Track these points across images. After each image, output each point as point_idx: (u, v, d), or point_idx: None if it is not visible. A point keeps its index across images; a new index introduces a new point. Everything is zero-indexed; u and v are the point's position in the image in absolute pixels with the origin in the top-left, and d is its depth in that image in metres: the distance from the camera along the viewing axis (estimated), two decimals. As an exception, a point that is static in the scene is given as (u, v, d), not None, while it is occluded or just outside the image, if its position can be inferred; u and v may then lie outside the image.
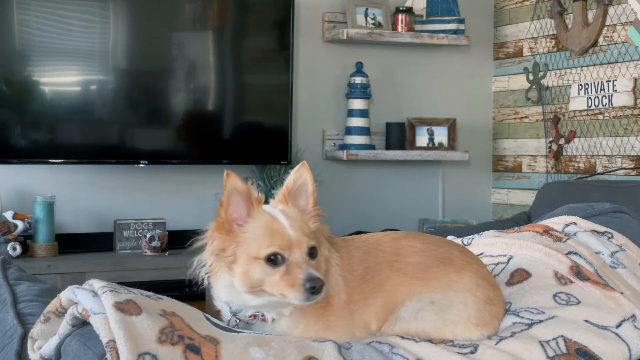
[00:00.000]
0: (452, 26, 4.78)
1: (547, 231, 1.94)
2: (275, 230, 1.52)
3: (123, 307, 1.38)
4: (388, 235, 1.68)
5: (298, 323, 1.55)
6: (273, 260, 1.50)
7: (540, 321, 1.60)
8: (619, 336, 1.60)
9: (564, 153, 4.63)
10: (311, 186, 1.60)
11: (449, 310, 1.57)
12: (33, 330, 1.53)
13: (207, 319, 1.48)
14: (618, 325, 1.62)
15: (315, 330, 1.54)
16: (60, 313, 1.49)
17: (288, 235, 1.51)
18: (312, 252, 1.53)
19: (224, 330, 1.45)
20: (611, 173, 4.32)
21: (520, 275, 1.77)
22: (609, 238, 1.99)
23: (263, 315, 1.56)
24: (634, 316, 1.65)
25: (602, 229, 2.01)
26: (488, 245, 1.94)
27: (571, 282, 1.73)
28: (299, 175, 1.60)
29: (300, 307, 1.53)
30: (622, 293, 1.73)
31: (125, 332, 1.33)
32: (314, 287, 1.47)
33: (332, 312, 1.56)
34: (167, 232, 4.18)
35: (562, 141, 4.61)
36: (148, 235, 4.10)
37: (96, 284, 1.46)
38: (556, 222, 2.02)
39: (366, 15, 4.69)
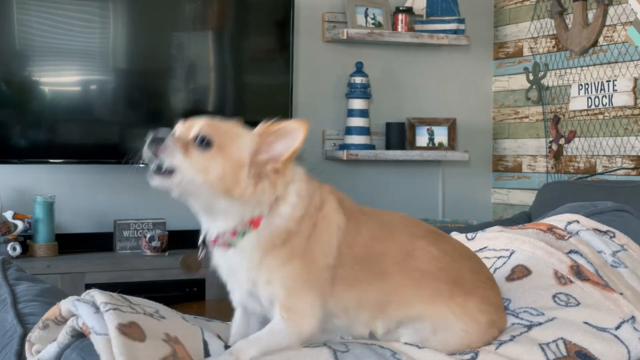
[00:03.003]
0: (452, 26, 4.78)
1: (550, 229, 1.94)
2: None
3: (127, 331, 1.35)
4: (407, 226, 1.60)
5: (254, 250, 1.48)
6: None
7: (540, 323, 1.60)
8: (618, 338, 1.59)
9: (564, 153, 4.62)
10: (296, 144, 1.57)
11: (450, 336, 1.53)
12: (31, 335, 1.52)
13: (205, 344, 1.46)
14: (617, 327, 1.62)
15: (277, 258, 1.47)
16: (59, 322, 1.48)
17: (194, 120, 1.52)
18: (206, 142, 1.51)
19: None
20: (611, 173, 4.32)
21: (520, 272, 1.76)
22: (611, 237, 1.99)
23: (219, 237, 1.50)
24: (633, 318, 1.65)
25: (604, 227, 2.01)
26: (492, 239, 1.94)
27: (571, 282, 1.73)
28: (289, 128, 1.57)
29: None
30: (621, 294, 1.73)
31: (127, 359, 1.32)
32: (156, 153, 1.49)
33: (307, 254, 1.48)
34: (167, 232, 4.17)
35: (562, 141, 4.61)
36: (148, 235, 4.10)
37: (98, 297, 1.44)
38: (559, 220, 2.02)
39: (366, 15, 4.68)
